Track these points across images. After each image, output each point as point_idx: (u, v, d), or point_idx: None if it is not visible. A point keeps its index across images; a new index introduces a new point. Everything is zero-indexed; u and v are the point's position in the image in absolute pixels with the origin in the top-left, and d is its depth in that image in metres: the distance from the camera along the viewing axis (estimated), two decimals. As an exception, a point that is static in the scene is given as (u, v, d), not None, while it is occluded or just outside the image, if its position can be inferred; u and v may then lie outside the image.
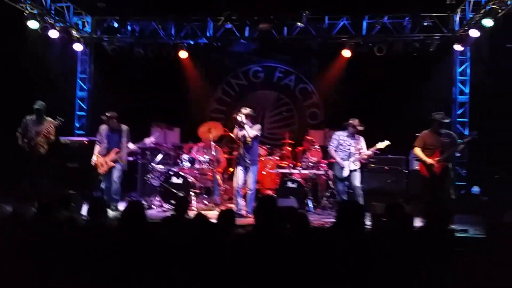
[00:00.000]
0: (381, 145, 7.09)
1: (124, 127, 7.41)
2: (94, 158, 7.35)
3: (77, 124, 9.94)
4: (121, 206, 7.00)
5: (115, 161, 7.28)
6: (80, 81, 10.05)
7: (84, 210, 4.70)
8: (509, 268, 2.89)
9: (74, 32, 9.07)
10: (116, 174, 7.29)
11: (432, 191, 6.71)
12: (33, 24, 7.86)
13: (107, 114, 7.34)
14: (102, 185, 7.40)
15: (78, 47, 9.30)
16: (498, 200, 6.88)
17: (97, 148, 7.40)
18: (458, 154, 7.14)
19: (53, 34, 8.37)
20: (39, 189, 6.88)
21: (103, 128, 7.42)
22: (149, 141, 7.57)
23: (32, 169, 7.20)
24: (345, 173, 7.13)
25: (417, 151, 6.91)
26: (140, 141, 7.55)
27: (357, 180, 7.15)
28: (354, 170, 7.15)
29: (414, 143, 6.96)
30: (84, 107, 10.02)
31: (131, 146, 7.45)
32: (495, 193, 7.41)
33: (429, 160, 6.75)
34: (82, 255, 3.53)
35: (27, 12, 7.81)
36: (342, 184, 7.23)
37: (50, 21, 8.35)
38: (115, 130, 7.36)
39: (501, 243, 3.15)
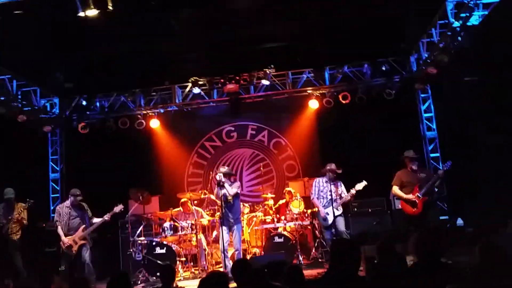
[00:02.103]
0: (359, 186, 7.17)
1: (84, 204, 7.22)
2: (65, 239, 6.98)
3: (52, 207, 9.69)
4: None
5: (83, 238, 7.01)
6: (52, 163, 9.93)
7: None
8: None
9: (42, 115, 9.05)
10: (86, 255, 6.95)
11: (418, 227, 6.72)
12: (-1, 110, 7.84)
13: (76, 192, 7.12)
14: (62, 266, 6.92)
15: (47, 129, 9.26)
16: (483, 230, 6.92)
17: (59, 229, 7.07)
18: (436, 189, 7.23)
19: (21, 118, 8.34)
20: (16, 274, 6.67)
21: (62, 206, 7.23)
22: (118, 209, 7.26)
23: (7, 254, 6.99)
24: (330, 220, 7.13)
25: (396, 190, 7.01)
26: (110, 211, 7.18)
27: (342, 225, 7.15)
28: (339, 216, 7.16)
29: (392, 182, 7.07)
30: (58, 188, 9.84)
31: (96, 220, 7.18)
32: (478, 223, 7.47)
33: (409, 197, 6.83)
34: None
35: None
36: (329, 232, 7.22)
37: (17, 106, 8.34)
38: (77, 207, 7.15)
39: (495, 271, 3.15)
